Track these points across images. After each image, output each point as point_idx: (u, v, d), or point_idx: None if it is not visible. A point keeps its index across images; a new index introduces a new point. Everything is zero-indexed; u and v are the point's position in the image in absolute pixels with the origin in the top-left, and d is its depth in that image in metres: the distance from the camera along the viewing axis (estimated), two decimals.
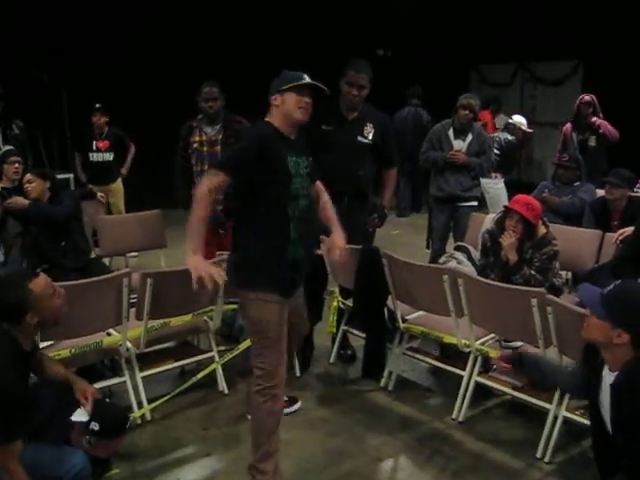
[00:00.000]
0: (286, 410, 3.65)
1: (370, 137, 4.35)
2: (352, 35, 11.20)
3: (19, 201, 4.55)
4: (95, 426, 2.88)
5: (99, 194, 6.85)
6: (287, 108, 2.95)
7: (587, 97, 7.05)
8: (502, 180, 7.33)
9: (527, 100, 12.49)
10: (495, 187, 7.20)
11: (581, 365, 2.82)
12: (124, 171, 7.24)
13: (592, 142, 6.98)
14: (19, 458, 2.59)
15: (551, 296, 3.24)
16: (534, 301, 3.24)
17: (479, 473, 3.35)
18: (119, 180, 7.35)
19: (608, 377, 2.52)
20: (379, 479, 3.42)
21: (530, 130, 8.00)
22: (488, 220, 4.89)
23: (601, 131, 6.88)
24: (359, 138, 4.34)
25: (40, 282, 2.81)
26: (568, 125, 7.21)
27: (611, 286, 2.50)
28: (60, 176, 6.66)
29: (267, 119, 3.03)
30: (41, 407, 2.96)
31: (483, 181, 6.97)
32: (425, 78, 11.93)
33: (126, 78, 9.30)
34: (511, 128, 7.61)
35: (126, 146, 7.26)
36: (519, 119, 7.83)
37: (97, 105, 6.99)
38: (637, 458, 2.43)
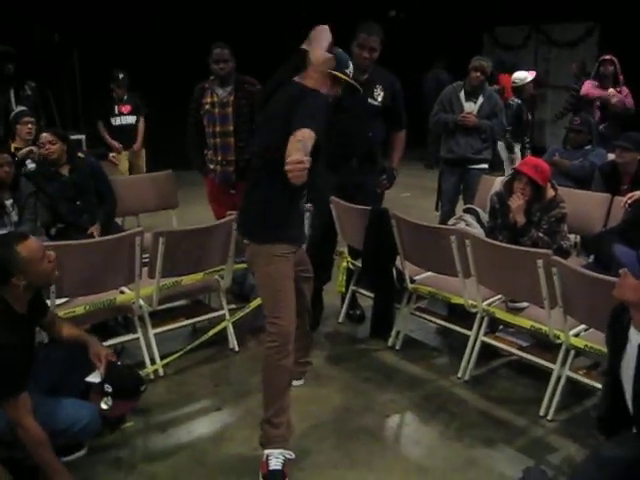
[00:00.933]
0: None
1: (380, 99, 4.36)
2: None
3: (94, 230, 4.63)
4: (108, 388, 2.96)
5: (111, 155, 6.92)
6: (319, 84, 2.91)
7: (607, 56, 7.01)
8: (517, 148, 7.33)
9: (541, 62, 12.37)
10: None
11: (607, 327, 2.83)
12: (135, 147, 7.25)
13: (613, 101, 6.92)
14: (33, 414, 2.67)
15: (556, 257, 3.27)
16: (540, 262, 3.27)
17: (482, 429, 3.43)
18: (143, 151, 7.40)
19: (635, 337, 2.56)
20: (385, 435, 3.49)
21: (530, 78, 7.77)
22: (498, 182, 4.91)
23: (614, 100, 6.84)
24: (369, 100, 4.35)
25: (29, 245, 2.75)
26: (588, 85, 7.18)
27: None
28: (72, 137, 6.70)
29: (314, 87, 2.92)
30: (53, 367, 3.04)
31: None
32: (438, 40, 11.85)
33: (138, 39, 9.30)
34: (519, 89, 7.55)
35: (141, 115, 7.27)
36: (519, 75, 7.71)
37: (121, 76, 6.99)
38: None
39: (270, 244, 3.00)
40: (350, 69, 3.08)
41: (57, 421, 2.80)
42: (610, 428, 2.76)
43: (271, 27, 10.30)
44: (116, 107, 7.05)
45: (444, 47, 11.38)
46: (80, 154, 5.00)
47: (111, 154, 6.91)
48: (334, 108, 4.28)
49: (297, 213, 3.10)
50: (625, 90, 6.98)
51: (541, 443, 3.33)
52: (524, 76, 7.67)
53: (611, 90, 6.91)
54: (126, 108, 7.07)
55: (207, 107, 4.85)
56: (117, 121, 7.07)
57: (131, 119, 7.13)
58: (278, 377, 3.01)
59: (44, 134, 4.72)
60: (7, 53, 6.48)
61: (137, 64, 7.62)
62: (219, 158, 4.88)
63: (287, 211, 3.02)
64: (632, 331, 2.58)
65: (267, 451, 2.96)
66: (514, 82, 7.65)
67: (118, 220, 5.27)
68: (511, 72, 9.41)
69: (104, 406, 2.97)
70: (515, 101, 7.38)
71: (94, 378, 2.99)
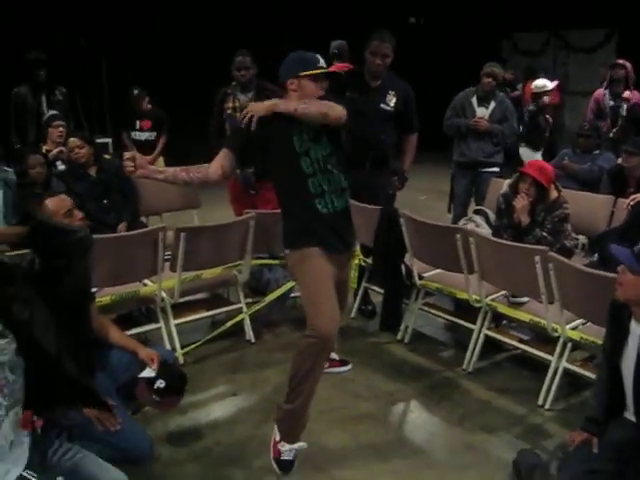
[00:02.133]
0: (336, 370, 4.00)
1: (392, 104, 4.58)
2: (384, 3, 11.30)
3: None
4: (161, 384, 3.12)
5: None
6: (305, 94, 3.03)
7: (620, 60, 7.13)
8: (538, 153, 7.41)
9: (559, 68, 12.49)
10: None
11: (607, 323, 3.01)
12: (150, 159, 7.42)
13: (623, 110, 7.06)
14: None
15: (553, 254, 3.47)
16: (537, 258, 3.47)
17: (484, 417, 3.63)
18: (160, 158, 7.61)
19: (637, 329, 2.73)
20: (390, 420, 3.70)
21: (553, 85, 7.71)
22: (506, 185, 5.09)
23: (632, 102, 6.98)
24: (382, 105, 4.57)
25: (55, 199, 3.16)
26: (599, 91, 7.30)
27: None
28: (99, 140, 6.98)
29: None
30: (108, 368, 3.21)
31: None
32: (457, 46, 12.02)
33: (164, 45, 9.59)
34: (537, 96, 7.64)
35: (161, 131, 7.47)
36: (539, 82, 7.64)
37: (135, 92, 7.20)
38: None
39: (291, 249, 3.13)
40: (321, 62, 3.09)
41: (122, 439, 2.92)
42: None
43: (291, 34, 10.56)
44: (138, 122, 7.27)
45: (463, 53, 11.56)
46: (106, 156, 5.28)
47: None
48: (348, 113, 4.53)
49: (311, 215, 3.07)
50: (637, 94, 7.10)
51: (538, 430, 3.52)
52: (542, 84, 7.65)
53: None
54: (146, 124, 7.25)
55: (229, 111, 5.07)
56: (137, 135, 7.24)
57: (149, 135, 7.27)
58: (304, 364, 2.98)
59: (72, 139, 5.01)
60: (38, 60, 6.77)
61: (162, 71, 7.90)
62: None
63: (295, 217, 3.12)
64: (633, 323, 2.76)
65: (279, 442, 3.07)
66: (534, 88, 7.66)
67: (143, 219, 5.53)
68: (535, 78, 9.57)
69: (153, 401, 3.15)
70: (531, 108, 7.50)
71: (149, 373, 3.15)
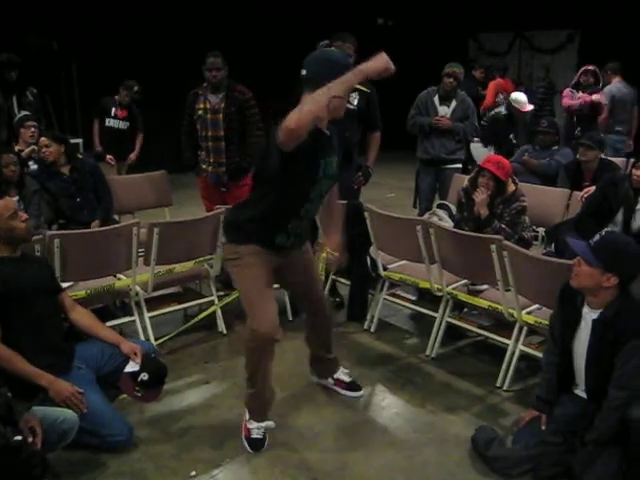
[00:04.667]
0: (347, 393, 3.83)
1: (355, 103, 4.77)
2: (353, 4, 11.50)
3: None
4: (145, 377, 3.31)
5: (108, 156, 7.33)
6: (333, 106, 2.83)
7: (591, 66, 7.38)
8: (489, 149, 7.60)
9: (524, 68, 12.79)
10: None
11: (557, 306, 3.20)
12: (132, 156, 7.61)
13: (586, 110, 7.37)
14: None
15: (507, 242, 3.67)
16: (493, 247, 3.67)
17: (445, 398, 3.82)
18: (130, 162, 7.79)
19: (589, 314, 2.95)
20: (357, 403, 3.83)
21: (528, 109, 7.56)
22: (467, 180, 5.30)
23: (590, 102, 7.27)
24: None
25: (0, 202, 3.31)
26: (566, 91, 7.59)
27: (597, 237, 2.91)
28: (70, 141, 7.09)
29: None
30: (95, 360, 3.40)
31: (473, 146, 7.35)
32: (425, 46, 12.26)
33: (135, 47, 9.69)
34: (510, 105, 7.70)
35: (136, 129, 7.62)
36: (516, 96, 7.53)
37: (135, 88, 7.44)
38: (602, 378, 2.88)
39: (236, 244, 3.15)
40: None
41: (96, 422, 3.13)
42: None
43: (261, 37, 10.73)
44: (114, 109, 7.43)
45: (431, 53, 11.79)
46: (79, 154, 5.40)
47: (108, 156, 7.32)
48: None
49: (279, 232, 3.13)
50: (596, 95, 7.36)
51: (496, 409, 3.72)
52: (521, 100, 7.41)
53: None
54: (122, 113, 7.44)
55: (200, 112, 5.18)
56: (110, 122, 7.44)
57: (123, 125, 7.48)
58: (253, 357, 3.20)
59: (42, 138, 5.13)
60: (10, 61, 6.86)
61: (133, 72, 7.99)
62: (211, 160, 5.25)
63: (269, 225, 3.10)
64: (586, 309, 2.97)
65: (248, 421, 3.31)
66: (514, 102, 7.43)
67: (116, 217, 5.65)
68: (502, 75, 9.78)
69: (137, 394, 3.34)
70: (501, 114, 7.63)
71: (133, 367, 3.32)
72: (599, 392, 2.93)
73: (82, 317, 3.51)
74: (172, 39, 10.00)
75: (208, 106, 5.17)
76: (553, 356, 3.21)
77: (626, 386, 2.81)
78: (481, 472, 3.12)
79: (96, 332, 3.47)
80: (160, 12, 10.05)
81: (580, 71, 7.54)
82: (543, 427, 3.13)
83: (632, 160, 4.61)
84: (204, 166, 5.32)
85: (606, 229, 3.28)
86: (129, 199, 5.76)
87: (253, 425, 3.30)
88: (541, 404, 3.21)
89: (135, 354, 3.37)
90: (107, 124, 7.44)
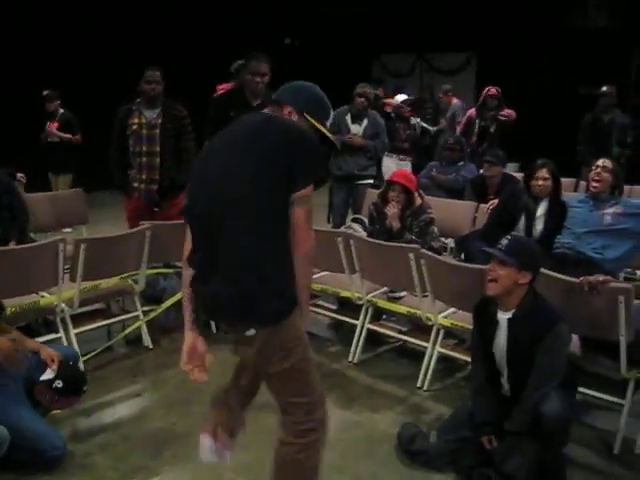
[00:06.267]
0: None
1: None
2: (260, 24, 11.70)
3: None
4: (59, 384, 3.33)
5: (19, 175, 7.20)
6: None
7: (493, 90, 7.81)
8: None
9: (427, 89, 13.33)
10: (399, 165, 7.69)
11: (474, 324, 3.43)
12: (53, 132, 7.66)
13: (492, 129, 7.79)
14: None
15: (424, 250, 3.93)
16: (411, 255, 3.92)
17: (369, 400, 4.03)
18: (67, 175, 7.80)
19: (503, 317, 3.19)
20: None
21: (399, 99, 7.83)
22: (376, 195, 5.56)
23: (503, 119, 7.71)
24: None
25: None
26: (472, 111, 8.01)
27: (505, 241, 3.17)
28: None
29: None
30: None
31: (388, 160, 7.54)
32: (331, 67, 12.60)
33: (62, 60, 9.63)
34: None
35: (74, 133, 7.72)
36: (397, 97, 7.95)
37: (44, 92, 7.41)
38: (522, 373, 3.11)
39: (286, 316, 2.37)
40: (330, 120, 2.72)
41: (32, 440, 3.16)
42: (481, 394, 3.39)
43: (165, 56, 10.78)
44: (47, 123, 7.54)
45: (336, 73, 12.13)
46: None
47: (19, 174, 7.20)
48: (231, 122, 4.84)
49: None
50: (510, 110, 7.83)
51: (418, 407, 3.96)
52: (400, 98, 7.89)
53: None
54: (54, 125, 7.49)
55: (135, 127, 5.19)
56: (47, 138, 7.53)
57: (56, 137, 7.55)
58: (312, 461, 2.56)
59: None
60: None
61: (60, 84, 7.97)
62: (144, 176, 5.24)
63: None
64: (500, 314, 3.22)
65: None
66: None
67: (32, 235, 5.58)
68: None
69: (50, 400, 3.35)
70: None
71: (48, 375, 3.33)
72: (520, 389, 3.16)
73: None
74: (99, 52, 10.01)
75: (144, 121, 5.18)
76: (481, 379, 3.34)
77: (541, 382, 3.07)
78: (407, 465, 3.34)
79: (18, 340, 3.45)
80: (85, 25, 9.99)
81: (484, 94, 7.96)
82: (489, 447, 3.21)
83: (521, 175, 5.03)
84: (135, 184, 5.28)
85: (511, 233, 3.55)
86: (45, 218, 5.71)
87: None
88: (484, 429, 3.22)
89: (52, 361, 3.37)
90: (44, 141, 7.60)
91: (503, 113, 7.69)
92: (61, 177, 7.84)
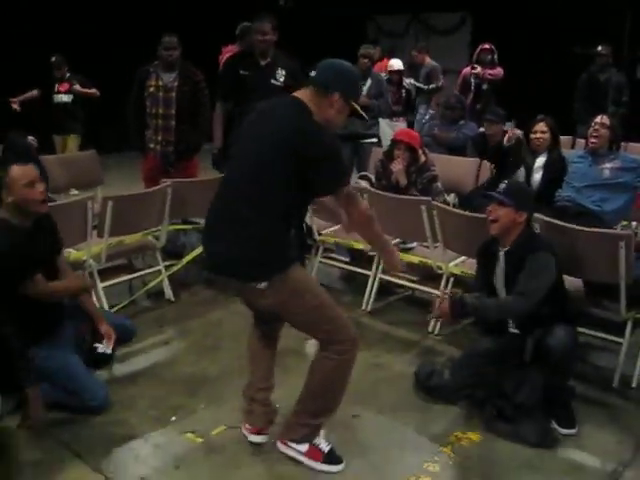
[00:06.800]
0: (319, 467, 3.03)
1: (282, 80, 5.11)
2: None
3: None
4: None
5: (30, 137, 7.35)
6: (341, 117, 2.81)
7: (487, 45, 8.00)
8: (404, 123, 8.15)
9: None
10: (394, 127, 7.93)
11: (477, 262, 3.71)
12: (78, 89, 7.89)
13: (484, 86, 8.01)
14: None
15: (435, 202, 4.16)
16: (423, 207, 4.15)
17: (385, 344, 4.30)
18: (76, 136, 7.96)
19: (502, 252, 3.45)
20: (306, 352, 4.24)
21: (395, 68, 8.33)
22: (382, 152, 5.77)
23: (490, 77, 7.90)
24: (272, 81, 5.09)
25: (20, 168, 3.19)
26: (467, 69, 8.20)
27: (502, 185, 3.44)
28: None
29: (308, 108, 2.72)
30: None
31: (382, 123, 7.76)
32: (325, 27, 12.65)
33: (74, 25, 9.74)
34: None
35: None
36: (392, 62, 8.44)
37: (52, 58, 7.63)
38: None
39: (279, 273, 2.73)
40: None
41: (73, 386, 3.35)
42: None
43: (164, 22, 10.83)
44: (56, 86, 7.78)
45: (330, 33, 12.19)
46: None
47: (30, 137, 7.35)
48: (240, 88, 5.02)
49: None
50: (499, 69, 8.03)
51: (430, 350, 4.25)
52: (392, 63, 8.44)
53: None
54: (63, 87, 7.71)
55: (152, 90, 5.32)
56: (56, 99, 7.86)
57: (67, 98, 7.83)
58: (339, 383, 2.95)
59: None
60: None
61: (72, 52, 8.08)
62: (159, 138, 5.39)
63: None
64: (500, 251, 3.47)
65: (311, 446, 3.01)
66: (389, 66, 8.39)
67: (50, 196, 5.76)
68: (388, 57, 10.32)
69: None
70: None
71: (104, 349, 3.52)
72: (527, 322, 3.43)
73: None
74: (115, 17, 10.01)
75: (160, 83, 5.31)
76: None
77: (515, 298, 3.32)
78: (425, 399, 3.64)
79: (83, 301, 3.64)
80: None
81: (478, 49, 8.14)
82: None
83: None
84: (151, 145, 5.44)
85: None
86: (61, 178, 5.88)
87: (320, 443, 3.04)
88: (462, 305, 3.45)
89: (110, 337, 3.54)
90: (54, 101, 7.87)
91: (490, 72, 7.89)
92: (71, 138, 7.98)
